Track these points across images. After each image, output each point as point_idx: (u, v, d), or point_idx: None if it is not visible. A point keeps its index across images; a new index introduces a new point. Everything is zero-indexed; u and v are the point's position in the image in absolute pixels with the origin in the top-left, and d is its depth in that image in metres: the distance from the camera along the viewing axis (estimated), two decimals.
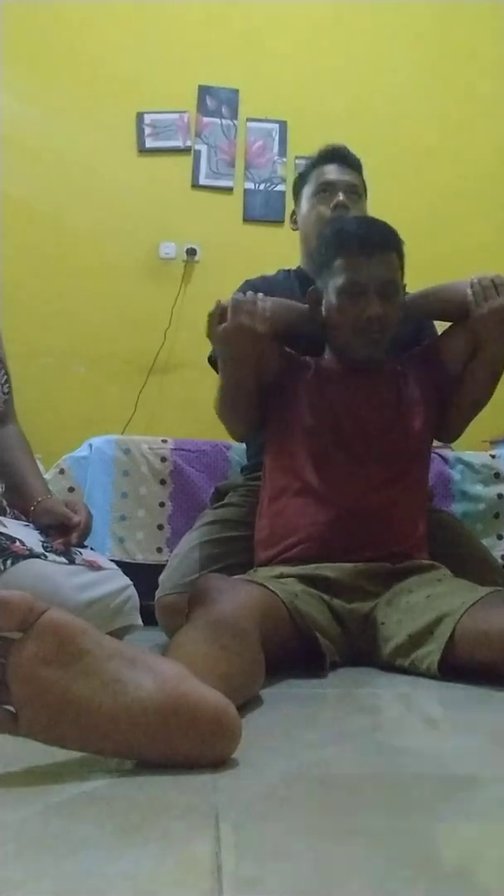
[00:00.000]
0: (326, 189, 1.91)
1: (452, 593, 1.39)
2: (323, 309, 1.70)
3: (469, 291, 1.64)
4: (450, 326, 1.74)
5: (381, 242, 1.64)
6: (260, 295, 1.64)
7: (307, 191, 1.96)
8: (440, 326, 1.87)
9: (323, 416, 1.67)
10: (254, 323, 1.59)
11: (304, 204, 1.97)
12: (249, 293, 1.64)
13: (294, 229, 2.05)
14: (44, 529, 1.45)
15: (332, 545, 1.55)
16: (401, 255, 1.67)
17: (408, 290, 1.75)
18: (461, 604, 1.32)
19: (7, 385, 1.58)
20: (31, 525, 1.45)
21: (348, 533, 1.56)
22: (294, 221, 2.04)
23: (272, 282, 1.94)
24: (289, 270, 2.05)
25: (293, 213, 2.05)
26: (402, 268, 1.68)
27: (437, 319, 1.83)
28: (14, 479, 1.53)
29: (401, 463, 1.65)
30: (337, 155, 1.96)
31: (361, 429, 1.66)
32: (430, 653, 1.30)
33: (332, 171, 1.94)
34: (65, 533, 1.44)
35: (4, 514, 1.44)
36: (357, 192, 1.94)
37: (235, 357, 1.65)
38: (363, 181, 2.00)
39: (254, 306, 1.61)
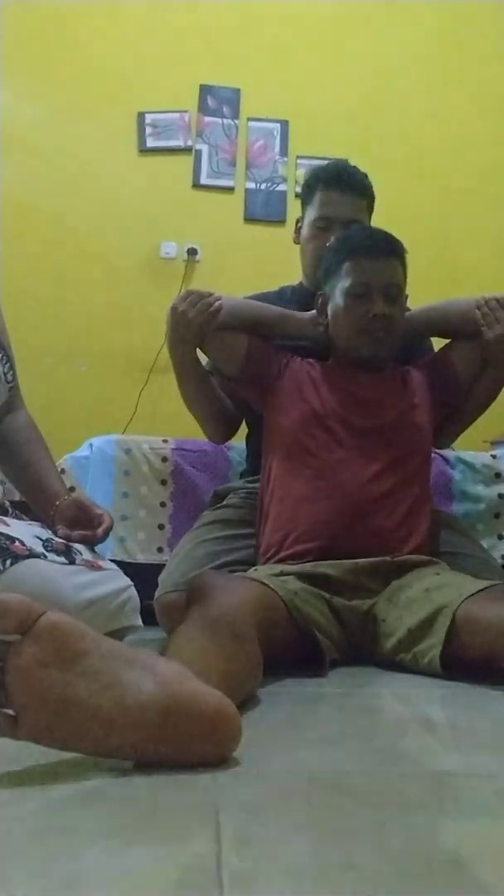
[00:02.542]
0: (324, 224, 1.88)
1: (450, 585, 1.40)
2: (329, 311, 1.73)
3: (477, 313, 1.71)
4: (459, 340, 1.78)
5: (386, 248, 1.70)
6: (220, 294, 1.73)
7: (308, 214, 1.93)
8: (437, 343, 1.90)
9: (327, 410, 1.69)
10: (188, 310, 1.71)
11: (305, 229, 1.95)
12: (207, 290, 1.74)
13: (296, 241, 2.01)
14: (67, 523, 1.45)
15: (335, 536, 1.56)
16: (404, 264, 1.72)
17: (410, 297, 1.77)
18: (458, 596, 1.33)
19: (11, 371, 1.57)
20: (38, 523, 1.45)
21: (350, 523, 1.58)
22: (298, 232, 2.01)
23: (266, 298, 1.92)
24: (287, 287, 2.04)
25: (298, 224, 2.01)
26: (405, 276, 1.72)
27: (440, 336, 1.85)
28: (34, 478, 1.53)
29: (404, 456, 1.68)
30: (341, 181, 1.89)
31: (366, 421, 1.68)
32: (432, 646, 1.31)
33: (333, 203, 1.88)
34: (88, 527, 1.44)
35: (6, 514, 1.44)
36: (357, 224, 1.88)
37: (172, 340, 1.78)
38: (368, 203, 1.94)
39: (199, 298, 1.73)
